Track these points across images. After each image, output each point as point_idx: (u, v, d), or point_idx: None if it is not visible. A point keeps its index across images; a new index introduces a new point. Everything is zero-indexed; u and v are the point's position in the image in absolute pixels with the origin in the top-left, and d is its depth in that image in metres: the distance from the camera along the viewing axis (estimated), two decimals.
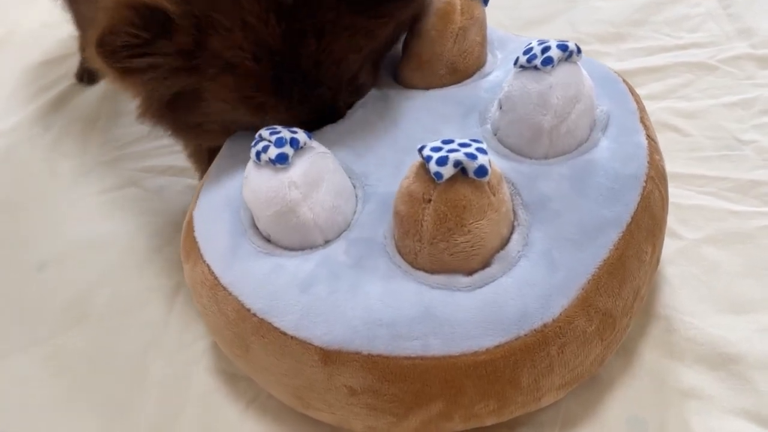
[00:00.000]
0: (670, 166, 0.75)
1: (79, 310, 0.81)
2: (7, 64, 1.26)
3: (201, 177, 0.77)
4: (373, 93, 0.69)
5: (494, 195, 0.52)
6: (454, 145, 0.52)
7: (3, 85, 1.21)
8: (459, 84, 0.68)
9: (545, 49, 0.58)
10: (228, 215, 0.62)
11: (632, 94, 0.66)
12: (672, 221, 0.67)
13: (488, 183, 0.51)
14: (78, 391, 0.71)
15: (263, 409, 0.64)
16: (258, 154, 0.56)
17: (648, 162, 0.59)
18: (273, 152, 0.55)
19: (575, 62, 0.59)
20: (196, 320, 0.74)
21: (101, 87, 1.15)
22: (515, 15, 1.06)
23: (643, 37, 0.95)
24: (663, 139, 0.79)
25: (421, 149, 0.52)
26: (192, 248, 0.62)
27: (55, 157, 1.04)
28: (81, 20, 0.97)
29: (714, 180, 0.74)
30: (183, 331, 0.74)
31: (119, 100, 1.11)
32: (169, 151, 0.99)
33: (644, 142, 0.61)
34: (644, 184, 0.58)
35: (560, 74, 0.58)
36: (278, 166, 0.55)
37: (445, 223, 0.51)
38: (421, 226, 0.52)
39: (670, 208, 0.64)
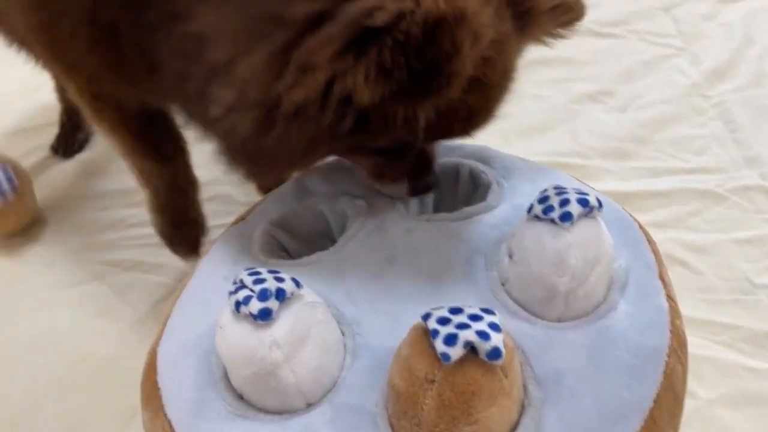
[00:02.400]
0: (681, 309, 0.70)
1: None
2: None
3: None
4: (370, 221, 0.64)
5: (506, 376, 0.45)
6: (463, 318, 0.45)
7: None
8: (463, 218, 0.63)
9: (564, 202, 0.53)
10: (196, 360, 0.54)
11: (649, 242, 0.61)
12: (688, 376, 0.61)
13: (501, 364, 0.45)
14: None
15: None
16: (237, 304, 0.49)
17: (670, 330, 0.54)
18: (255, 306, 0.48)
19: (596, 218, 0.54)
20: None
21: (76, 163, 1.08)
22: (515, 121, 1.01)
23: (647, 157, 0.92)
24: (672, 276, 0.74)
25: (426, 318, 0.46)
26: (152, 395, 0.55)
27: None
28: None
29: (727, 328, 0.70)
30: None
31: (93, 180, 1.04)
32: (140, 244, 0.92)
33: (665, 305, 0.55)
34: (666, 359, 0.52)
35: (579, 232, 0.52)
36: (260, 322, 0.48)
37: (450, 410, 0.44)
38: (422, 409, 0.45)
39: None
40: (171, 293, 0.83)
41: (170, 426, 0.52)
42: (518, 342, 0.51)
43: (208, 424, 0.50)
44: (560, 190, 0.54)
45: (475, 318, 0.46)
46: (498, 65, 0.55)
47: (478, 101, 0.56)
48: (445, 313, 0.46)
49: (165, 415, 0.52)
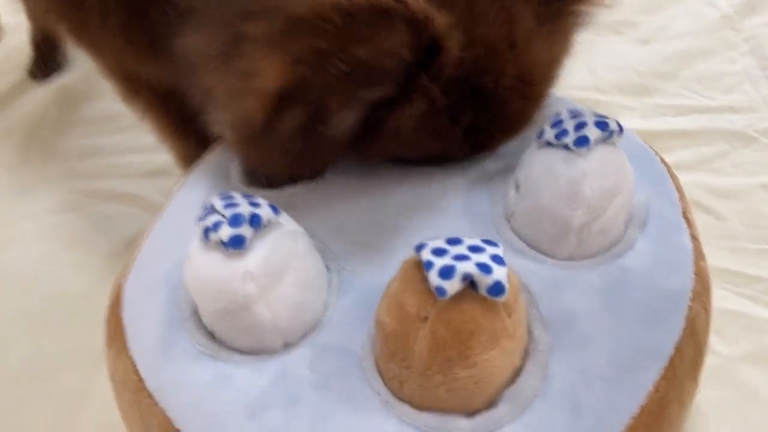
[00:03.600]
0: None
1: None
2: None
3: None
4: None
5: (510, 316, 0.40)
6: (462, 249, 0.39)
7: None
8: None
9: (580, 125, 0.46)
10: (165, 295, 0.49)
11: (672, 178, 0.55)
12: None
13: (504, 301, 0.39)
14: None
15: None
16: (206, 230, 0.43)
17: (695, 273, 0.48)
18: (226, 232, 0.42)
19: (615, 144, 0.47)
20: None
21: (52, 88, 1.01)
22: None
23: (671, 94, 0.84)
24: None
25: (419, 249, 0.40)
26: (116, 333, 0.49)
27: None
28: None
29: (752, 280, 0.64)
30: (102, 412, 0.61)
31: (70, 106, 0.98)
32: (120, 174, 0.87)
33: (689, 245, 0.49)
34: (690, 303, 0.46)
35: (596, 159, 0.46)
36: (231, 250, 0.42)
37: (445, 351, 0.38)
38: (413, 350, 0.39)
39: None
40: None
41: (134, 366, 0.46)
42: (524, 282, 0.46)
43: (174, 365, 0.45)
44: (576, 113, 0.48)
45: (475, 249, 0.40)
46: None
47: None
48: (441, 244, 0.40)
49: (129, 354, 0.47)
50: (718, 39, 0.91)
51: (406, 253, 0.43)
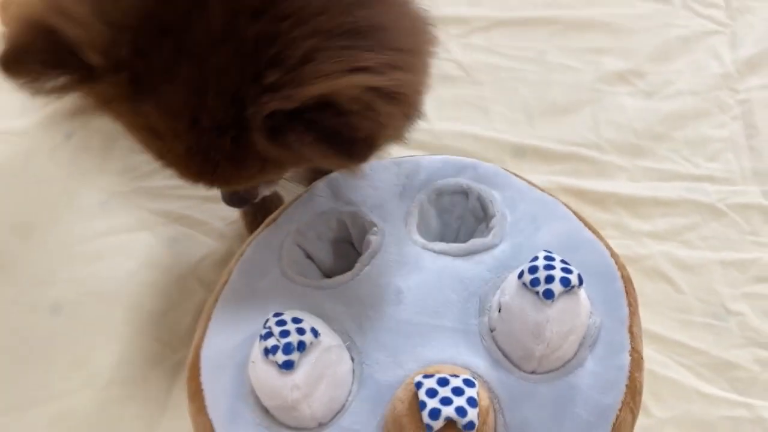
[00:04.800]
0: (656, 325, 0.80)
1: (86, 371, 0.87)
2: None
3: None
4: (384, 246, 0.72)
5: None
6: (447, 391, 0.56)
7: None
8: (467, 253, 0.71)
9: (549, 279, 0.61)
10: (233, 371, 0.66)
11: (627, 294, 0.69)
12: (646, 392, 0.71)
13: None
14: None
15: None
16: (266, 351, 0.60)
17: (626, 385, 0.64)
18: (280, 358, 0.59)
19: (576, 293, 0.62)
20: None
21: None
22: (544, 95, 1.05)
23: (661, 156, 0.96)
24: (655, 291, 0.83)
25: (418, 386, 0.57)
26: (197, 393, 0.67)
27: (73, 177, 1.04)
28: None
29: (693, 352, 0.79)
30: (177, 419, 0.80)
31: None
32: (182, 195, 1.01)
33: (626, 361, 0.65)
34: (618, 413, 0.62)
35: (558, 308, 0.61)
36: (283, 370, 0.59)
37: None
38: None
39: (647, 375, 0.68)
40: (211, 255, 0.94)
41: (211, 426, 0.65)
42: (496, 391, 0.62)
43: (242, 429, 0.64)
44: (548, 263, 0.62)
45: (457, 391, 0.56)
46: None
47: None
48: (433, 384, 0.57)
49: (207, 415, 0.66)
50: (714, 99, 1.00)
51: (411, 356, 0.63)
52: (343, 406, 0.64)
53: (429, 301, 0.69)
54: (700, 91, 1.02)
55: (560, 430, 0.61)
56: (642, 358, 0.67)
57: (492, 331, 0.66)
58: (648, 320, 0.74)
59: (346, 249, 0.79)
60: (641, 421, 0.74)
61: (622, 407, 0.63)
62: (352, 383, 0.65)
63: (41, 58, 0.51)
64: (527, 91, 1.06)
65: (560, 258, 0.63)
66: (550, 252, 0.64)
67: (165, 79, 0.53)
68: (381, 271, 0.71)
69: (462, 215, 0.78)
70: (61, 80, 0.53)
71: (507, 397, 0.62)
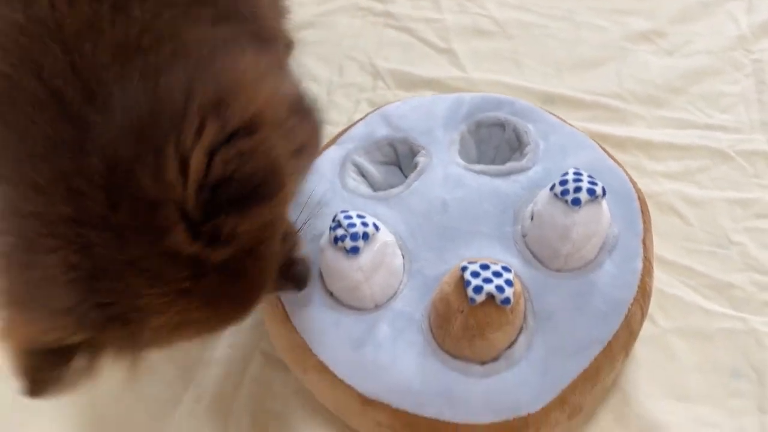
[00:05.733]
0: (666, 252, 0.90)
1: None
2: None
3: None
4: (431, 166, 0.83)
5: (512, 313, 0.68)
6: (489, 273, 0.67)
7: None
8: (504, 174, 0.82)
9: (577, 189, 0.71)
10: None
11: (643, 213, 0.80)
12: (654, 306, 0.81)
13: (509, 307, 0.67)
14: None
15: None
16: (335, 239, 0.71)
17: (638, 287, 0.74)
18: (348, 244, 0.70)
19: (599, 203, 0.72)
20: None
21: None
22: (573, 51, 1.14)
23: (678, 107, 1.05)
24: (666, 223, 0.93)
25: (463, 269, 0.68)
26: None
27: None
28: None
29: (698, 275, 0.89)
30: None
31: None
32: None
33: (639, 267, 0.75)
34: (630, 307, 0.73)
35: (584, 214, 0.71)
36: (351, 255, 0.70)
37: (470, 331, 0.67)
38: (452, 326, 0.68)
39: (655, 292, 0.79)
40: None
41: (284, 308, 0.76)
42: (526, 283, 0.73)
43: (310, 310, 0.75)
44: (577, 177, 0.72)
45: (497, 274, 0.67)
46: None
47: None
48: (476, 268, 0.68)
49: (279, 297, 0.77)
50: (729, 59, 1.09)
51: (454, 257, 0.73)
52: (396, 292, 0.75)
53: (470, 211, 0.79)
54: (717, 51, 1.11)
55: (580, 318, 0.72)
56: (652, 267, 0.78)
57: (524, 236, 0.77)
58: (659, 247, 0.85)
59: (394, 171, 0.90)
60: (649, 329, 0.85)
61: (633, 303, 0.73)
62: (403, 275, 0.76)
63: (49, 369, 0.52)
64: (557, 47, 1.15)
65: (587, 173, 0.74)
66: (578, 169, 0.74)
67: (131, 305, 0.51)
68: (428, 186, 0.82)
69: (498, 145, 0.89)
70: (79, 361, 0.52)
71: (535, 290, 0.73)
